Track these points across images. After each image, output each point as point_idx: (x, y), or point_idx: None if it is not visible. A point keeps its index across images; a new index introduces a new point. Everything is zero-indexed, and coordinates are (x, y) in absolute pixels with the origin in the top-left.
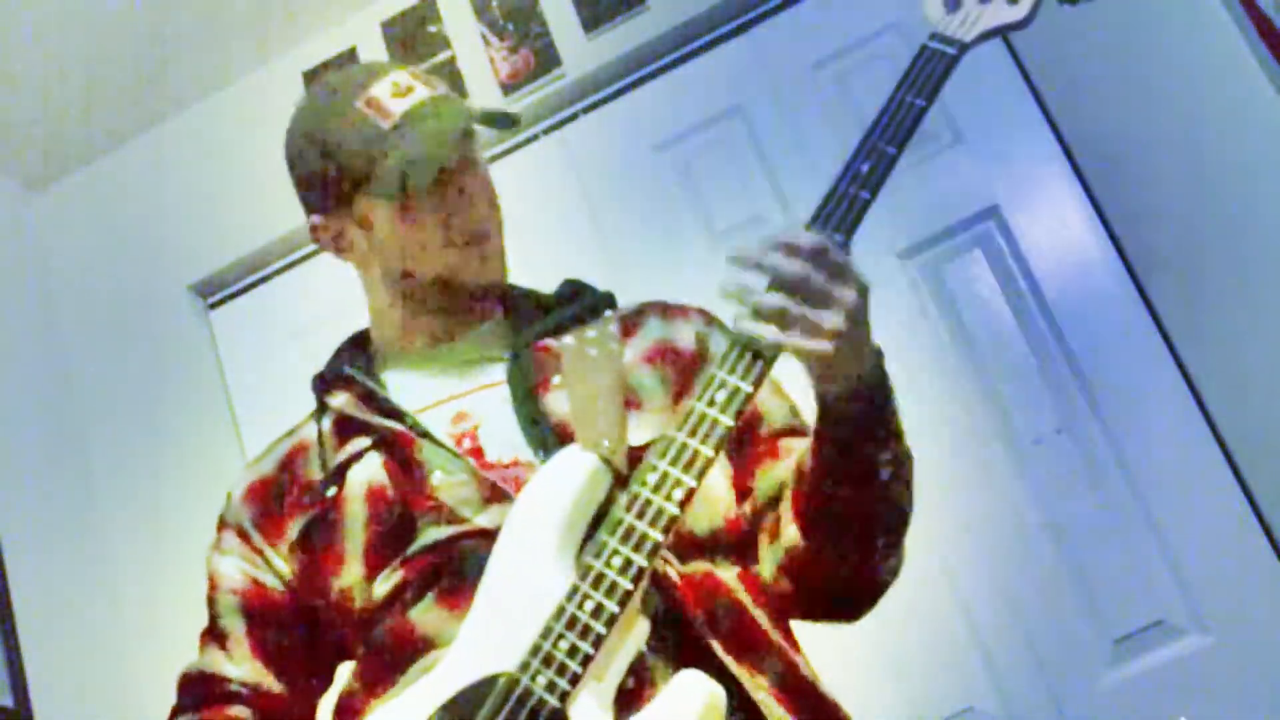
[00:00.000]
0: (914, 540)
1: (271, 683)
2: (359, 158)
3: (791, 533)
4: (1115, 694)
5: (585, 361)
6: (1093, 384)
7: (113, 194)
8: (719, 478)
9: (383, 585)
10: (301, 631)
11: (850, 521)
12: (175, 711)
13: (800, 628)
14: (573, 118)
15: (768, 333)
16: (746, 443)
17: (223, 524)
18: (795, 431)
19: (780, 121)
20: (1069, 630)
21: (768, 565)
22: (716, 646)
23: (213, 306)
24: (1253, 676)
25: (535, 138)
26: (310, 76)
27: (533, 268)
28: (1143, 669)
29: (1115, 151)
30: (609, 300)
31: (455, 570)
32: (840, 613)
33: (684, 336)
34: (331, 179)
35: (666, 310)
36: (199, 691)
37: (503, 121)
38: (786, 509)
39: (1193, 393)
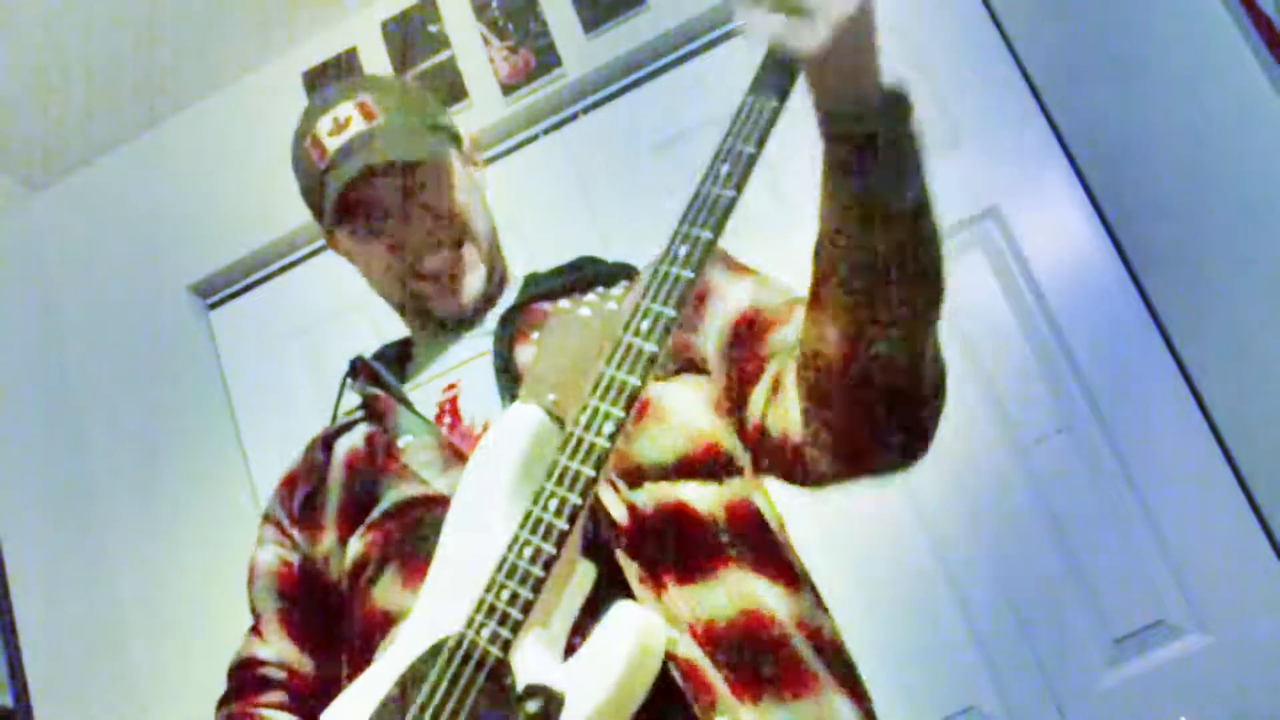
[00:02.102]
0: (915, 540)
1: (302, 660)
2: (309, 195)
3: (813, 333)
4: (1115, 694)
5: (571, 320)
6: (1093, 384)
7: (113, 194)
8: (692, 400)
9: (350, 553)
10: (323, 608)
11: (883, 276)
12: (221, 701)
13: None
14: (573, 118)
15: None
16: (747, 336)
17: (263, 520)
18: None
19: (779, 121)
20: (1069, 630)
21: (794, 411)
22: (631, 578)
23: (213, 306)
24: (1253, 676)
25: (535, 138)
26: (310, 76)
27: (533, 268)
28: (1143, 669)
29: (1115, 151)
30: (627, 271)
31: (413, 541)
32: (892, 447)
33: None
34: (310, 206)
35: None
36: (238, 678)
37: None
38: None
39: (1193, 393)
